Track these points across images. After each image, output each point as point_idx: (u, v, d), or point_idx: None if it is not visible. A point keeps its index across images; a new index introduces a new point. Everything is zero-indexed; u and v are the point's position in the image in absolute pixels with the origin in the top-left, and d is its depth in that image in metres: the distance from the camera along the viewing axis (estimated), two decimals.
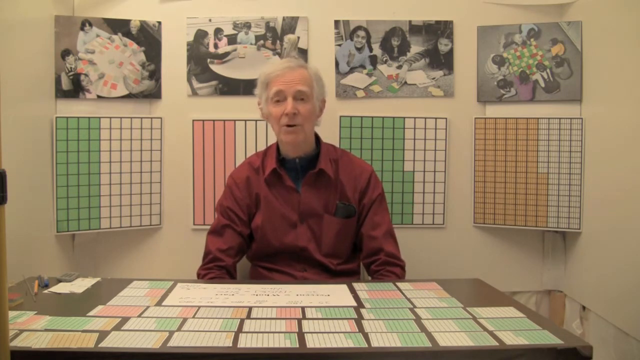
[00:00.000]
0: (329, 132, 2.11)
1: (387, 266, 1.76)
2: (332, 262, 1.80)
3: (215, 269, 1.74)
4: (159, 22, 2.19)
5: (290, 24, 2.21)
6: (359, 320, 1.23)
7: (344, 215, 1.80)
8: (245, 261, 1.93)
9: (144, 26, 2.17)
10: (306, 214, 1.79)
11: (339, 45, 2.23)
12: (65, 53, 2.07)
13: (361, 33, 2.22)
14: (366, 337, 1.12)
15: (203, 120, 2.22)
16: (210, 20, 2.21)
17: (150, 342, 1.08)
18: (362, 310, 1.30)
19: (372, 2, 2.23)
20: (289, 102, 1.71)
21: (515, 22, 2.18)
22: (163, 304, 1.35)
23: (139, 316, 1.25)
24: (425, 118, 2.24)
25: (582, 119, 2.10)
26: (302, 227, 1.79)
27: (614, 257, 1.85)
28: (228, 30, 2.21)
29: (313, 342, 1.09)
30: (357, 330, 1.16)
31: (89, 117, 2.10)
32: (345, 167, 1.83)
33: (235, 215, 1.80)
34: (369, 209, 1.82)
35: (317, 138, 1.86)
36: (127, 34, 2.15)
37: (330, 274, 1.80)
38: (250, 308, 1.31)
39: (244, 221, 1.81)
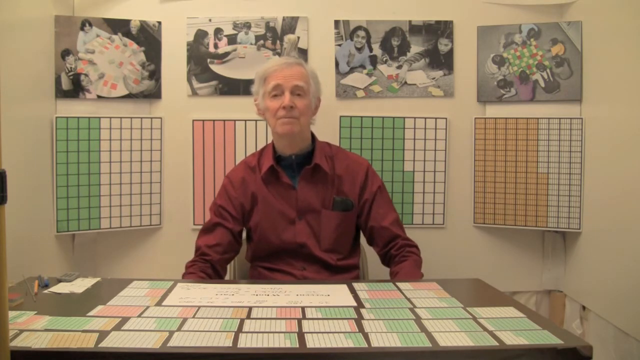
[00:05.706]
0: (329, 132, 2.11)
1: (407, 247, 1.79)
2: (332, 258, 1.79)
3: (200, 261, 1.75)
4: (159, 22, 2.19)
5: (290, 24, 2.21)
6: (359, 320, 1.23)
7: (342, 209, 1.81)
8: (245, 261, 1.93)
9: (144, 26, 2.17)
10: (304, 210, 1.79)
11: (339, 45, 2.23)
12: (65, 53, 2.07)
13: (361, 33, 2.22)
14: (366, 337, 1.12)
15: (203, 120, 2.22)
16: (210, 20, 2.21)
17: (150, 342, 1.08)
18: (362, 310, 1.30)
19: (372, 2, 2.23)
20: (287, 95, 1.73)
21: (515, 22, 2.18)
22: (163, 304, 1.35)
23: (139, 316, 1.24)
24: (425, 118, 2.24)
25: (582, 119, 2.10)
26: (300, 223, 1.79)
27: (614, 257, 1.85)
28: (228, 30, 2.21)
29: (313, 342, 1.09)
30: (357, 330, 1.16)
31: (89, 117, 2.10)
32: (341, 163, 1.84)
33: (227, 212, 1.80)
34: (372, 203, 1.82)
35: (313, 136, 1.86)
36: (127, 34, 2.15)
37: (331, 271, 1.79)
38: (250, 308, 1.30)
39: (235, 218, 1.81)
